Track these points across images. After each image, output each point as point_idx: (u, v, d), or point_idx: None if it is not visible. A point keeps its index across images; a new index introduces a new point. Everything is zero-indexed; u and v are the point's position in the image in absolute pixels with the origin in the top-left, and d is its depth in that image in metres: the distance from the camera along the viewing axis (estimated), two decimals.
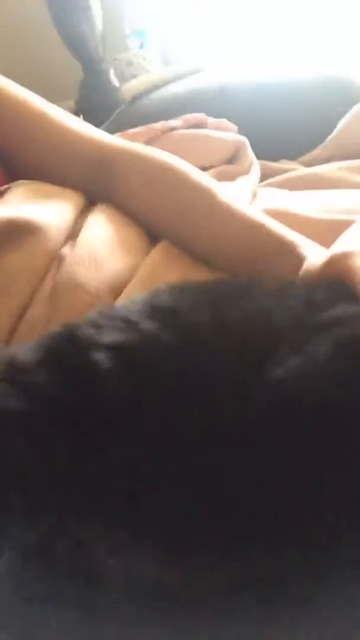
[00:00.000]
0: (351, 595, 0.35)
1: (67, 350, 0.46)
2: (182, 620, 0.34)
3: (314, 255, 0.61)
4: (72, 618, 0.35)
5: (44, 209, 0.67)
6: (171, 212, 0.71)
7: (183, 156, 0.84)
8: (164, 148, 0.92)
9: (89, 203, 0.74)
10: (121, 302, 0.61)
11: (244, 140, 1.00)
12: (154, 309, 0.47)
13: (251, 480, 0.38)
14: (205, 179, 0.72)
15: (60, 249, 0.65)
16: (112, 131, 0.98)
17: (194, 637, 0.34)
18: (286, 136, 1.19)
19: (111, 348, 0.45)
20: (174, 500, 0.39)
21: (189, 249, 0.69)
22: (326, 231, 0.74)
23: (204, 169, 0.93)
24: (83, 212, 0.71)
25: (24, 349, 0.47)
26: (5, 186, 0.72)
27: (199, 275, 0.66)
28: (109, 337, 0.46)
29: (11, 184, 0.72)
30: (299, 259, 0.61)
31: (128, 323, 0.46)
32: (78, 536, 0.36)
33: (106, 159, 0.76)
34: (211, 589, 0.35)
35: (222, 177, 0.93)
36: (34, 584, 0.35)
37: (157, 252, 0.68)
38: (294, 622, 0.34)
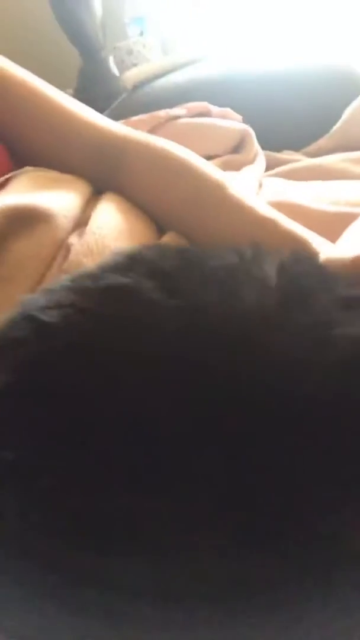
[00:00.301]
0: (352, 594, 0.34)
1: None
2: (183, 621, 0.34)
3: (326, 252, 0.60)
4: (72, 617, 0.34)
5: (51, 197, 0.67)
6: (177, 203, 0.70)
7: (188, 145, 0.83)
8: (168, 136, 0.91)
9: (96, 191, 0.73)
10: None
11: (249, 129, 0.99)
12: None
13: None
14: (214, 171, 0.71)
15: (67, 237, 0.65)
16: (113, 119, 0.97)
17: (193, 637, 0.34)
18: (290, 127, 1.18)
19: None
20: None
21: (196, 241, 0.68)
22: (332, 223, 0.75)
23: (209, 158, 0.93)
24: (90, 200, 0.71)
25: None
26: (11, 173, 0.71)
27: None
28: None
29: (17, 171, 0.71)
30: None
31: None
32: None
33: (112, 146, 0.75)
34: (213, 589, 0.34)
35: (227, 166, 0.92)
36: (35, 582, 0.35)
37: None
38: (294, 622, 0.34)
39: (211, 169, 0.71)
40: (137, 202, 0.72)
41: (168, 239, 0.67)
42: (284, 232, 0.64)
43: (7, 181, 0.70)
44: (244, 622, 0.33)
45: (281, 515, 0.33)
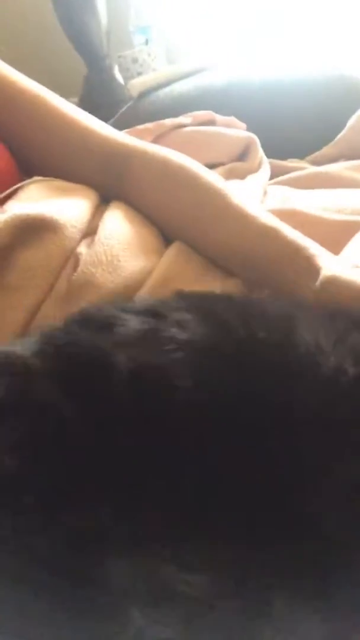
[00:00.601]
0: (351, 596, 0.36)
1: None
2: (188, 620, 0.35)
3: (329, 264, 0.60)
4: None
5: (60, 206, 0.67)
6: (181, 212, 0.70)
7: (193, 153, 0.83)
8: (173, 145, 0.91)
9: (103, 199, 0.73)
10: None
11: (254, 137, 0.99)
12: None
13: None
14: (217, 180, 0.71)
15: (76, 246, 0.65)
16: (117, 128, 0.95)
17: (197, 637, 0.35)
18: (294, 134, 1.18)
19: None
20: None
21: (201, 251, 0.68)
22: (337, 232, 0.76)
23: (214, 166, 0.94)
24: (98, 209, 0.71)
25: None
26: (21, 183, 0.71)
27: (212, 278, 0.65)
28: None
29: (26, 181, 0.72)
30: (314, 268, 0.61)
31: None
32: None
33: (117, 155, 0.75)
34: (215, 589, 0.36)
35: (232, 174, 0.92)
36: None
37: (170, 254, 0.67)
38: (293, 622, 0.35)
39: (214, 178, 0.71)
40: (142, 210, 0.72)
41: (174, 250, 0.68)
42: (285, 241, 0.64)
43: (16, 191, 0.70)
44: (243, 622, 0.35)
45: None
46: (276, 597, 0.36)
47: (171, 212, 0.71)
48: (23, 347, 0.47)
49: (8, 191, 0.69)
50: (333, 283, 0.58)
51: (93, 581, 0.35)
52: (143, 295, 0.62)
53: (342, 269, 0.59)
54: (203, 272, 0.66)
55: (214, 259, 0.67)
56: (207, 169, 0.73)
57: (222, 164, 0.95)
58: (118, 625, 0.35)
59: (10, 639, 0.36)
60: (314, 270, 0.60)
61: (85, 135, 0.77)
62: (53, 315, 0.60)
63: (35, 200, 0.69)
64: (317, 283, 0.59)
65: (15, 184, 0.72)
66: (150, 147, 0.76)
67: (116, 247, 0.64)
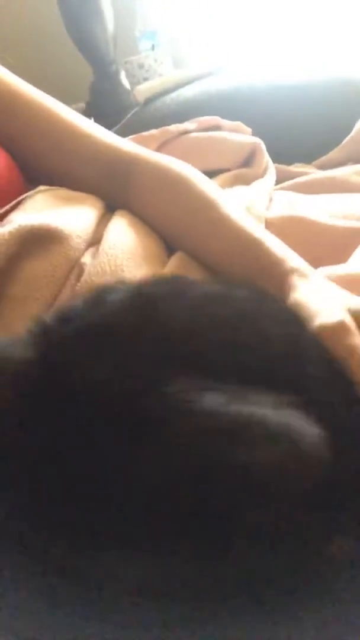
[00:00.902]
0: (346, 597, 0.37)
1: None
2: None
3: (301, 286, 0.59)
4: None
5: (65, 217, 0.67)
6: (179, 222, 0.71)
7: (198, 159, 0.84)
8: (178, 151, 0.93)
9: (108, 207, 0.73)
10: None
11: (260, 142, 0.98)
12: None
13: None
14: (210, 189, 0.71)
15: (80, 256, 0.65)
16: (124, 134, 0.97)
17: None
18: (300, 139, 1.18)
19: None
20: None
21: (201, 260, 0.68)
22: (343, 239, 0.75)
23: (219, 172, 0.93)
24: (103, 219, 0.71)
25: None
26: (26, 194, 0.71)
27: None
28: None
29: (31, 191, 0.72)
30: (287, 287, 0.59)
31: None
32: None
33: (122, 164, 0.75)
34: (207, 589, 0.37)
35: (238, 180, 0.92)
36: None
37: (172, 265, 0.67)
38: (291, 623, 0.36)
39: (208, 187, 0.71)
40: (146, 219, 0.72)
41: (175, 261, 0.67)
42: (265, 253, 0.63)
43: (21, 201, 0.70)
44: (239, 622, 0.36)
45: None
46: None
47: (171, 221, 0.71)
48: None
49: (14, 202, 0.69)
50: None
51: None
52: None
53: (307, 293, 0.57)
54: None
55: (214, 270, 0.67)
56: (205, 178, 0.73)
57: (228, 169, 0.95)
58: None
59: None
60: (286, 290, 0.59)
61: (89, 142, 0.77)
62: None
63: (41, 210, 0.69)
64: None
65: (19, 193, 0.72)
66: (152, 155, 0.76)
67: (120, 257, 0.64)
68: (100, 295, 0.47)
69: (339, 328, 0.50)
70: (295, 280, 0.59)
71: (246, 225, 0.67)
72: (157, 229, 0.72)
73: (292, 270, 0.60)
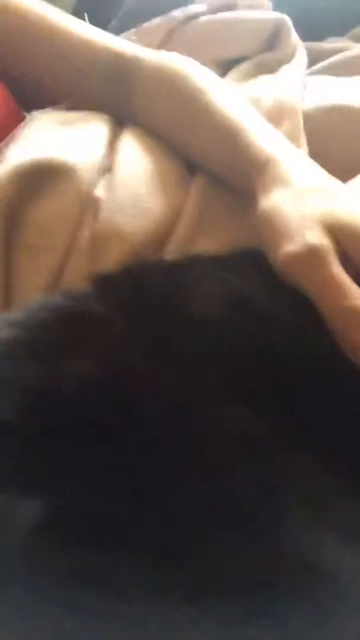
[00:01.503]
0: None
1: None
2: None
3: (276, 190, 0.51)
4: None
5: (70, 144, 0.61)
6: (189, 129, 0.63)
7: (211, 48, 0.78)
8: (186, 41, 0.84)
9: (116, 125, 0.66)
10: (170, 252, 0.55)
11: (285, 17, 0.85)
12: None
13: None
14: (205, 78, 0.64)
15: (93, 190, 0.58)
16: (122, 28, 0.90)
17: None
18: (330, 6, 1.02)
19: None
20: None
21: (212, 171, 0.61)
22: None
23: (237, 61, 0.82)
24: (114, 139, 0.64)
25: None
26: (20, 125, 0.64)
27: (242, 212, 0.56)
28: None
29: (26, 119, 0.65)
30: (256, 190, 0.53)
31: None
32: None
33: (126, 69, 0.68)
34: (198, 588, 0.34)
35: (261, 69, 0.80)
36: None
37: (197, 189, 0.60)
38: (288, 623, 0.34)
39: (202, 77, 0.64)
40: (154, 129, 0.65)
41: (200, 183, 0.60)
42: (251, 148, 0.56)
43: (15, 134, 0.63)
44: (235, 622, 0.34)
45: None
46: None
47: (179, 130, 0.64)
48: None
49: (8, 136, 0.62)
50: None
51: None
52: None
53: (279, 203, 0.50)
54: (233, 207, 0.58)
55: (219, 176, 0.60)
56: (203, 68, 0.66)
57: (247, 57, 0.83)
58: None
59: None
60: (257, 195, 0.52)
61: (85, 47, 0.71)
62: (80, 274, 0.54)
63: (38, 141, 0.62)
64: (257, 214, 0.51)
65: (17, 124, 0.64)
66: (159, 58, 0.68)
67: (139, 187, 0.58)
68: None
69: (308, 256, 0.43)
70: (269, 183, 0.52)
71: (234, 114, 0.59)
72: (168, 139, 0.64)
73: (268, 170, 0.53)
